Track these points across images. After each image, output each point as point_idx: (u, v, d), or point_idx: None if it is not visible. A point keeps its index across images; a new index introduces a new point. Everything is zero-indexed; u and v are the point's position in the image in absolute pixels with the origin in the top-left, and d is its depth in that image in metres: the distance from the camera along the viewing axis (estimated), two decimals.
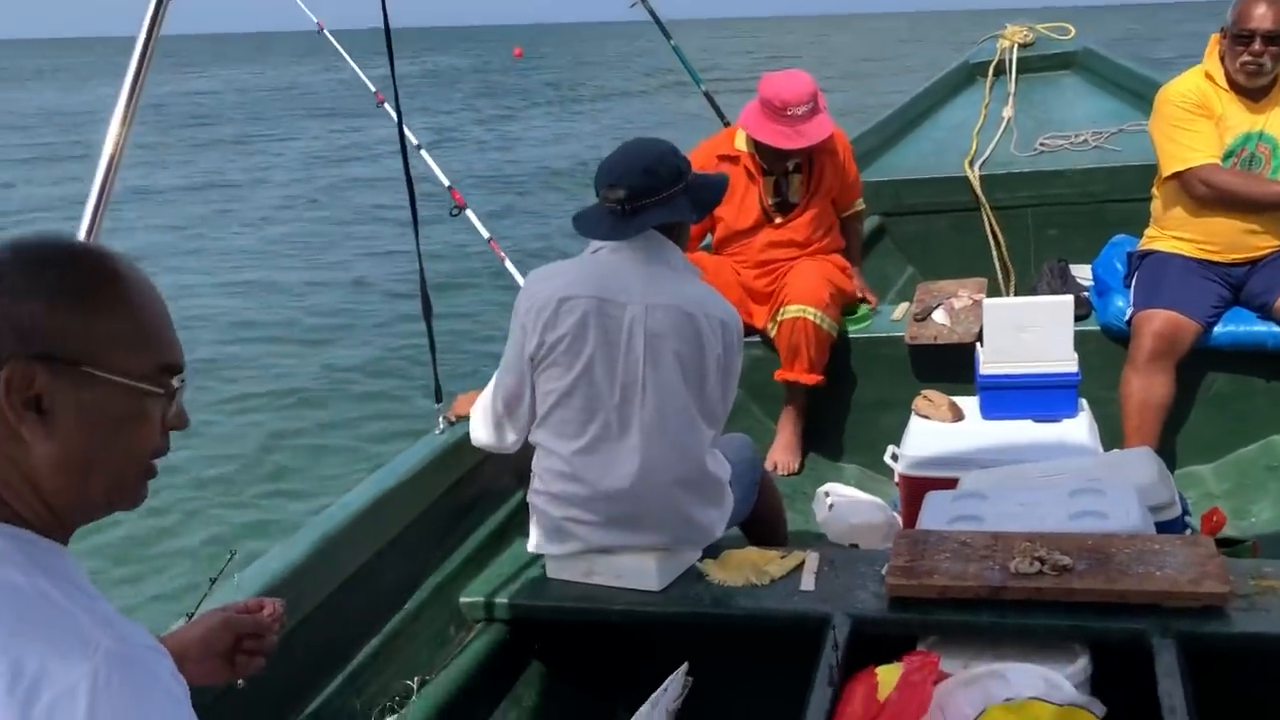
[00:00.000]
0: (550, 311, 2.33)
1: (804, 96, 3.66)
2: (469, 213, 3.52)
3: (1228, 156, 3.42)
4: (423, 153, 3.64)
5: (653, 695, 1.48)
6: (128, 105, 1.84)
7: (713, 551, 2.48)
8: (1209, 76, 3.46)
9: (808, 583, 2.32)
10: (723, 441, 2.74)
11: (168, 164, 17.82)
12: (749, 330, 3.79)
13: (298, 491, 5.81)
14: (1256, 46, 3.30)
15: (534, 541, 2.50)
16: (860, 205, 4.17)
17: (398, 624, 2.33)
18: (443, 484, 2.58)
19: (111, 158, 1.82)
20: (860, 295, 4.05)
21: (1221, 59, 3.43)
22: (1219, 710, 2.04)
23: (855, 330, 3.94)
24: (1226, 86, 3.43)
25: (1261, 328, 3.42)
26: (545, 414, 2.38)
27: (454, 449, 2.63)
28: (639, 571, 2.37)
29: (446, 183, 3.63)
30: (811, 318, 3.64)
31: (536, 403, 2.40)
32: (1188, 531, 2.78)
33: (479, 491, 2.72)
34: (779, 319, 3.69)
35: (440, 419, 2.72)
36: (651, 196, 2.35)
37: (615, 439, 2.34)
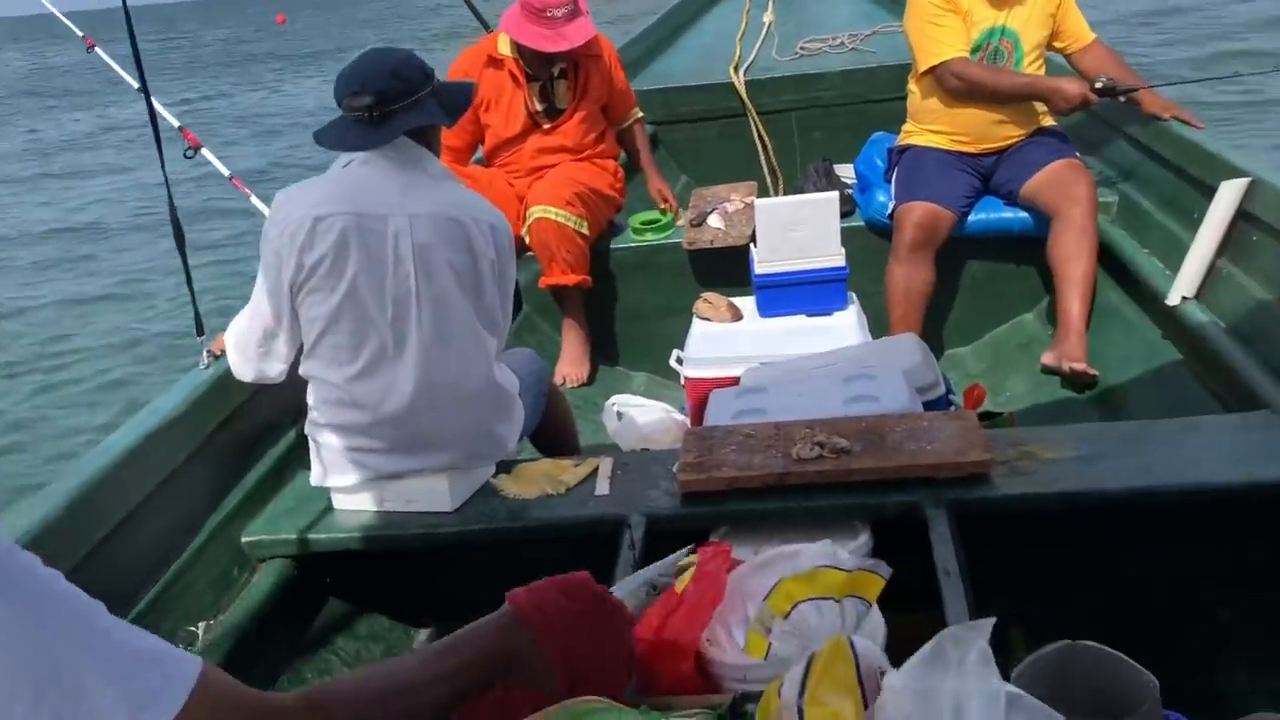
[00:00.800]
0: (305, 233, 2.20)
1: None
2: (205, 152, 3.33)
3: (974, 51, 3.58)
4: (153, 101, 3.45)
5: (650, 565, 1.50)
6: None
7: (506, 466, 2.46)
8: None
9: (602, 488, 2.32)
10: (508, 355, 2.70)
11: None
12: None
13: (54, 439, 5.43)
14: None
15: (317, 474, 2.39)
16: (638, 113, 4.16)
17: (176, 570, 2.19)
18: (212, 421, 2.43)
19: None
20: (662, 200, 4.07)
21: None
22: (988, 567, 2.19)
23: (636, 240, 3.96)
24: None
25: (1009, 214, 3.64)
26: (313, 342, 2.26)
27: (221, 384, 2.48)
28: (431, 493, 2.32)
29: (176, 124, 3.41)
30: (553, 216, 3.63)
31: (302, 331, 2.28)
32: (952, 408, 2.95)
33: (254, 426, 2.58)
34: (526, 224, 3.66)
35: (204, 354, 2.55)
36: (401, 101, 2.24)
37: (392, 359, 2.25)
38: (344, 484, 2.36)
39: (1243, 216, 2.90)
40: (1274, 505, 2.14)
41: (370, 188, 2.25)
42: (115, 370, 6.27)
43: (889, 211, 3.68)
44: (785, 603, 1.45)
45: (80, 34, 3.63)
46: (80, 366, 6.40)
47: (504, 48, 3.78)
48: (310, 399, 2.35)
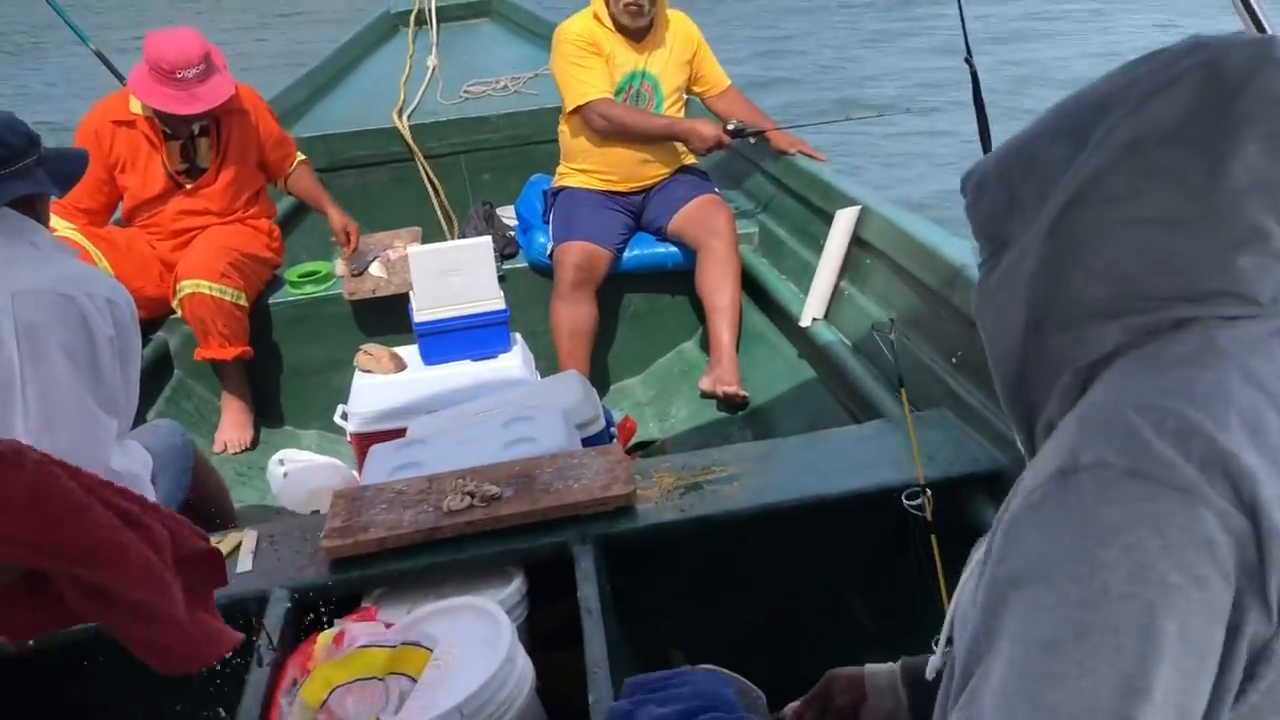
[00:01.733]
0: None
1: (193, 58, 3.42)
2: None
3: (618, 93, 3.73)
4: None
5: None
6: None
7: None
8: (597, 18, 3.73)
9: (245, 563, 2.21)
10: (144, 431, 2.54)
11: None
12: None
13: None
14: None
15: None
16: (300, 157, 4.00)
17: None
18: None
19: None
20: (344, 238, 3.90)
21: (606, 2, 3.72)
22: (646, 595, 2.26)
23: (295, 294, 3.83)
24: (613, 27, 3.72)
25: (660, 249, 3.81)
26: None
27: None
28: None
29: None
30: (206, 291, 3.46)
31: None
32: (614, 443, 3.04)
33: None
34: (178, 296, 3.47)
35: None
36: (5, 168, 2.07)
37: None
38: None
39: (856, 242, 3.16)
40: (885, 505, 2.34)
41: None
42: None
43: (548, 252, 3.76)
44: (322, 690, 1.42)
45: None
46: None
47: (136, 106, 3.56)
48: None
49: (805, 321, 3.22)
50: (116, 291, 2.24)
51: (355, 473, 3.24)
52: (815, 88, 11.21)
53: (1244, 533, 0.77)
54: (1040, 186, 0.91)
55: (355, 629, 1.52)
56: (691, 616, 2.49)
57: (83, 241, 3.38)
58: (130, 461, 2.29)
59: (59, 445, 2.09)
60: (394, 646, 1.48)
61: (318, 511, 2.99)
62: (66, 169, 2.24)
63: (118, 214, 3.76)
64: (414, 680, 1.47)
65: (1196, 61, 0.87)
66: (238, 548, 2.27)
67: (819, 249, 3.33)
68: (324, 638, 1.90)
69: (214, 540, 2.27)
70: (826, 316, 3.21)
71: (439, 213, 5.07)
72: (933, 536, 1.46)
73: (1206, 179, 0.85)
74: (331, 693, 1.40)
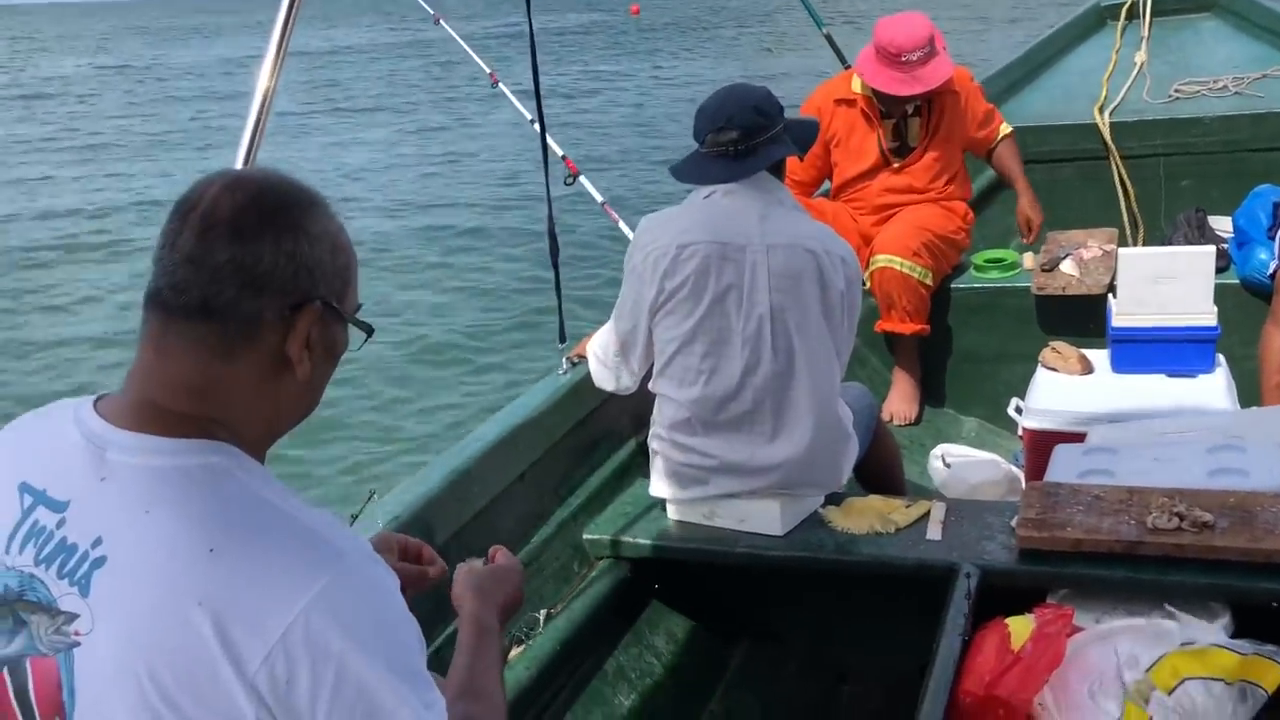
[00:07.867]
0: (669, 259, 2.32)
1: (919, 41, 3.56)
2: (583, 179, 3.54)
3: None
4: (536, 126, 3.72)
5: None
6: (277, 52, 1.88)
7: (835, 499, 2.47)
8: None
9: (934, 532, 2.29)
10: (841, 389, 2.71)
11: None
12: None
13: (427, 430, 5.98)
14: None
15: (656, 486, 2.50)
16: (1006, 130, 3.99)
17: (523, 559, 2.37)
18: (566, 423, 2.61)
19: (261, 104, 1.86)
20: (1025, 227, 3.92)
21: None
22: None
23: (979, 279, 3.85)
24: None
25: None
26: (666, 362, 2.37)
27: (576, 390, 2.66)
28: (762, 515, 2.37)
29: (560, 153, 3.66)
30: (897, 267, 3.58)
31: (656, 351, 2.40)
32: None
33: (600, 432, 2.75)
34: (870, 269, 3.63)
35: (564, 360, 2.75)
36: (763, 134, 2.33)
37: (741, 384, 2.33)
38: (681, 497, 2.46)
39: None
40: None
41: (730, 218, 2.35)
42: (481, 372, 6.82)
43: (1270, 271, 3.37)
44: (1171, 678, 1.38)
45: (488, 70, 3.88)
46: (432, 360, 7.00)
47: (857, 86, 3.80)
48: (656, 414, 2.47)
49: None
50: (848, 251, 2.42)
51: (1018, 470, 3.20)
52: None
53: None
54: None
55: (1190, 628, 1.49)
56: None
57: None
58: (844, 411, 2.46)
59: (798, 383, 2.33)
60: (1245, 655, 1.43)
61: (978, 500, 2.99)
62: (804, 135, 2.46)
63: (824, 187, 4.05)
64: (1266, 693, 1.41)
65: None
66: (926, 515, 2.35)
67: None
68: (1017, 623, 1.91)
69: (905, 504, 2.40)
70: None
71: (1125, 216, 4.79)
72: None
73: None
74: (1181, 683, 1.39)
